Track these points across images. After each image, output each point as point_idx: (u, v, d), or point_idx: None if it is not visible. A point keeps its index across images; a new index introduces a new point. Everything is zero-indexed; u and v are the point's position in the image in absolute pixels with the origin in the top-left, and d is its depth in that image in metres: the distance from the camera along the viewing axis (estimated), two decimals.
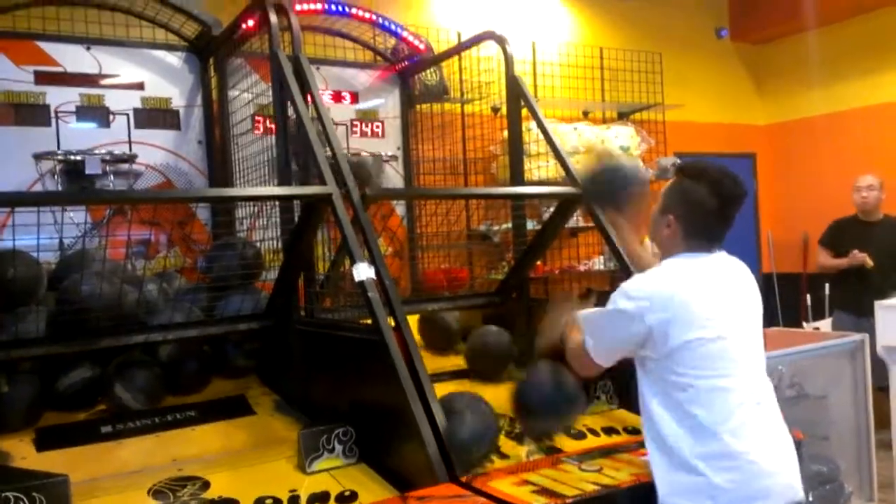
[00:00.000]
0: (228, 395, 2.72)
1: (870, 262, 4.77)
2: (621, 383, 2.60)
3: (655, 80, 5.75)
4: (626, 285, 1.85)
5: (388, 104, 4.22)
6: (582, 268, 5.14)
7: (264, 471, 2.18)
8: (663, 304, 1.78)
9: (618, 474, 1.93)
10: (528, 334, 3.21)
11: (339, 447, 2.19)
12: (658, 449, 1.83)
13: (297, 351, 2.62)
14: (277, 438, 2.40)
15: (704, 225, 1.88)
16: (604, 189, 2.31)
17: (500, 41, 3.46)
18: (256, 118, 3.37)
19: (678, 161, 5.49)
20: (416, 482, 1.94)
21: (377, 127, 4.18)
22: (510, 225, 3.57)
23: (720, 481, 1.74)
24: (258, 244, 2.95)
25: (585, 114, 5.60)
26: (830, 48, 6.50)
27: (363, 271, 2.23)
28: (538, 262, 4.27)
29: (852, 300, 4.80)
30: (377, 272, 2.26)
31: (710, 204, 1.85)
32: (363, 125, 4.13)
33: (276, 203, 2.83)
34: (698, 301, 1.80)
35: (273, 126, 2.78)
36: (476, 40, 3.74)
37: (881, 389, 4.13)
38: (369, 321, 2.20)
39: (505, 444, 2.38)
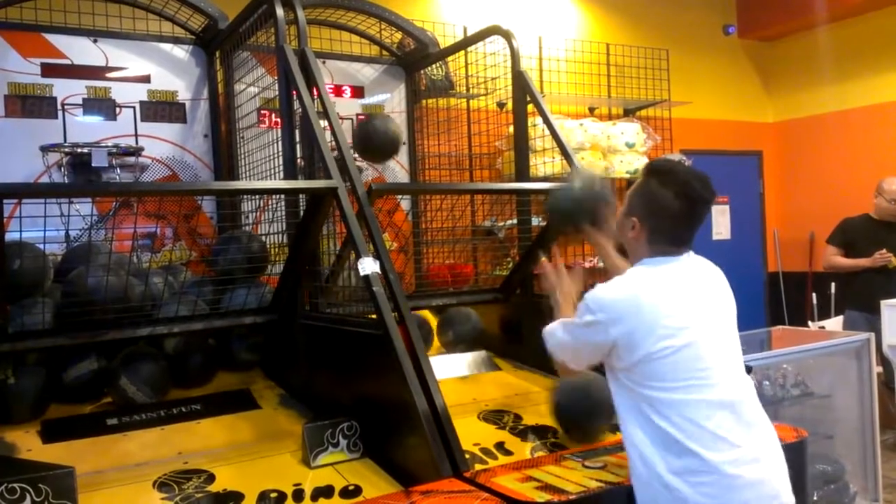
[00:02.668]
0: (233, 389, 2.73)
1: (895, 262, 4.69)
2: None
3: (662, 76, 5.73)
4: (589, 297, 1.80)
5: (393, 99, 4.21)
6: (587, 264, 5.13)
7: (269, 464, 2.18)
8: (626, 315, 1.73)
9: (621, 471, 1.92)
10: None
11: (343, 441, 2.19)
12: (635, 465, 1.77)
13: (302, 345, 2.63)
14: (282, 432, 2.40)
15: (669, 228, 1.81)
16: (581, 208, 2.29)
17: (507, 36, 3.44)
18: (262, 112, 3.37)
19: (685, 158, 5.47)
20: (420, 477, 1.94)
21: None
22: (515, 221, 3.56)
23: (696, 497, 1.67)
24: (263, 238, 2.95)
25: (591, 110, 5.59)
26: (839, 45, 6.47)
27: (368, 265, 2.23)
28: (543, 259, 4.26)
29: (866, 298, 4.72)
30: (382, 266, 2.26)
31: (674, 207, 1.77)
32: None
33: (282, 197, 2.83)
34: (663, 310, 1.73)
35: (278, 119, 2.78)
36: (482, 35, 3.72)
37: (890, 388, 4.11)
38: (374, 316, 2.20)
39: (509, 440, 2.39)
